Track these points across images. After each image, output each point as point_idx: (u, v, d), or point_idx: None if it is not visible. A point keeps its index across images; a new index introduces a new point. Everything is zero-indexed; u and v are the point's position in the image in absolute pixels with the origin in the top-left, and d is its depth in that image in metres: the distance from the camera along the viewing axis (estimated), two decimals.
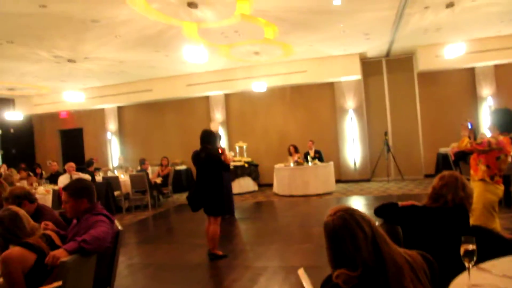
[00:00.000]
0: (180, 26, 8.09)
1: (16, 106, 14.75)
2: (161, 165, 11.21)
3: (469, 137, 4.65)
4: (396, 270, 1.68)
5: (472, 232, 2.92)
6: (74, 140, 15.22)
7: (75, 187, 3.24)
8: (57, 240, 3.06)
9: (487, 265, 2.19)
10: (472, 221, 4.44)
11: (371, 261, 1.67)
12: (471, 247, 1.94)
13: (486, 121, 11.24)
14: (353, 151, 12.54)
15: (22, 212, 3.02)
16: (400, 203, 2.97)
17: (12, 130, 14.48)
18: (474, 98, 11.82)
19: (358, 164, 12.52)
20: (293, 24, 8.69)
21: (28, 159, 14.03)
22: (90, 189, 3.28)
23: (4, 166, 11.38)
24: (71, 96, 10.29)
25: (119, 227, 3.39)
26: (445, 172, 2.93)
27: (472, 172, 4.56)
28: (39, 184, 8.92)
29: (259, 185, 12.57)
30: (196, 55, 7.33)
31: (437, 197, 2.83)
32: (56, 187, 7.72)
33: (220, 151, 5.61)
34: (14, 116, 12.70)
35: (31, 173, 9.95)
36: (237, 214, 8.85)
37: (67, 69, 10.43)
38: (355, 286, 1.64)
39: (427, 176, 11.92)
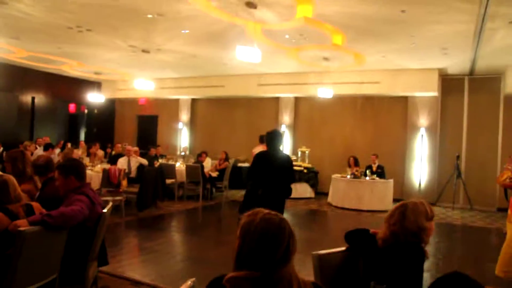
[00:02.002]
0: (243, 25, 8.19)
1: (102, 89, 15.93)
2: (220, 159, 11.41)
3: None
4: (285, 286, 1.59)
5: (446, 279, 2.56)
6: (149, 126, 16.07)
7: (64, 166, 3.42)
8: (37, 211, 3.23)
9: None
10: (499, 267, 3.97)
11: (275, 269, 1.58)
12: None
13: None
14: (420, 171, 11.79)
15: (11, 180, 3.23)
16: (371, 230, 2.71)
17: (96, 111, 15.71)
18: None
19: (423, 186, 11.75)
20: (360, 32, 8.36)
21: (107, 139, 15.10)
22: (79, 168, 3.43)
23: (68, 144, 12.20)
24: (141, 84, 10.85)
25: (104, 210, 3.51)
26: (403, 202, 2.51)
27: (509, 212, 4.08)
28: (101, 163, 9.55)
29: (317, 193, 12.30)
30: (249, 55, 7.33)
31: (389, 230, 2.44)
32: (108, 167, 8.21)
33: None
34: (98, 98, 13.72)
35: (94, 152, 10.63)
36: None
37: (142, 58, 11.01)
38: None
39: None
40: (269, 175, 5.30)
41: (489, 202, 11.12)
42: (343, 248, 2.61)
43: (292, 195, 11.23)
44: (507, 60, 9.99)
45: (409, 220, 2.33)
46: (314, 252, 2.52)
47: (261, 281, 1.56)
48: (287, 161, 5.43)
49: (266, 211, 1.70)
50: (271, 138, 5.39)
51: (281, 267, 1.59)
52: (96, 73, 13.82)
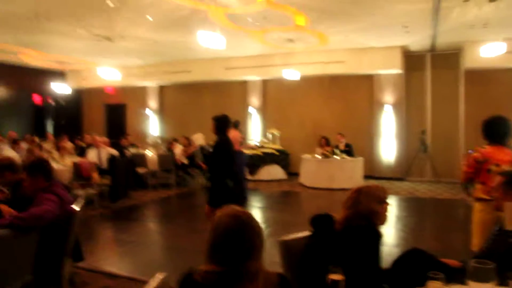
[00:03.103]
0: (206, 10, 8.15)
1: (67, 79, 15.55)
2: (184, 145, 11.35)
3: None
4: (251, 280, 1.68)
5: (405, 257, 2.70)
6: (118, 115, 15.85)
7: (30, 165, 3.41)
8: (6, 214, 3.20)
9: None
10: (472, 243, 4.15)
11: (241, 264, 1.67)
12: (335, 277, 1.83)
13: None
14: (388, 147, 12.10)
15: None
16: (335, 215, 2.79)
17: (63, 102, 15.34)
18: None
19: (392, 162, 12.07)
20: (322, 13, 8.45)
21: (75, 130, 14.83)
22: (46, 167, 3.42)
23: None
24: (105, 73, 10.61)
25: (76, 208, 3.52)
26: (359, 186, 2.61)
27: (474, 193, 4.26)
28: (70, 156, 9.37)
29: (289, 174, 12.47)
30: (213, 41, 7.31)
31: (344, 214, 2.54)
32: (78, 160, 8.10)
33: None
34: (63, 89, 13.29)
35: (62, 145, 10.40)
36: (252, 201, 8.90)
37: (107, 46, 10.81)
38: (213, 283, 1.65)
39: None
40: (232, 165, 5.07)
41: (454, 174, 11.51)
42: (308, 233, 2.69)
43: (265, 177, 11.62)
44: (465, 36, 10.28)
45: (362, 204, 2.44)
46: (280, 238, 2.63)
47: (227, 275, 1.66)
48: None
49: (237, 208, 1.79)
50: (223, 123, 5.06)
51: (247, 262, 1.68)
52: (58, 63, 13.45)
